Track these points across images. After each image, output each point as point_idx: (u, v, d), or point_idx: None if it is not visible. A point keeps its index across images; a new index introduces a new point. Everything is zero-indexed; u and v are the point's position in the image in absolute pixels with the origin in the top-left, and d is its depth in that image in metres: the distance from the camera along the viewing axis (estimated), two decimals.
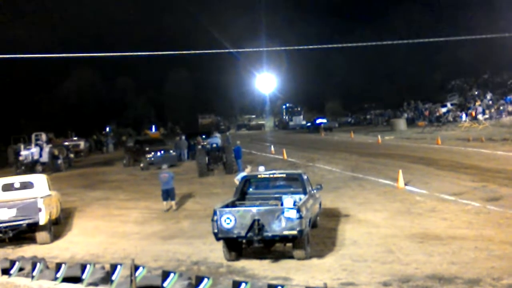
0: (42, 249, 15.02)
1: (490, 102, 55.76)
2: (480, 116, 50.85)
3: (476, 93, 63.67)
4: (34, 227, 15.38)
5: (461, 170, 23.31)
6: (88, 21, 78.18)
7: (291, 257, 12.19)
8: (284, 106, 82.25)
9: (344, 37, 70.36)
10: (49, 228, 15.76)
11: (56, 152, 36.41)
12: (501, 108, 52.30)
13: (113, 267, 9.72)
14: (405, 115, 65.14)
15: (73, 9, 77.47)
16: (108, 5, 78.18)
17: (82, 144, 49.75)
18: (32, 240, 15.61)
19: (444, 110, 59.85)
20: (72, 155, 41.08)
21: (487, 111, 52.56)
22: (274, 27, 78.59)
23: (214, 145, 29.34)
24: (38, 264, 10.78)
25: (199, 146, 31.75)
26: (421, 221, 15.02)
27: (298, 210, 11.74)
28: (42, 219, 15.21)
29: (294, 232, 11.64)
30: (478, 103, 56.10)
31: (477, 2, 66.53)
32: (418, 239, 13.12)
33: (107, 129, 66.72)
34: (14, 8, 68.04)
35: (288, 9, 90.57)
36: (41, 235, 15.53)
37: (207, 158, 28.52)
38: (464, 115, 53.36)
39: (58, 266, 10.46)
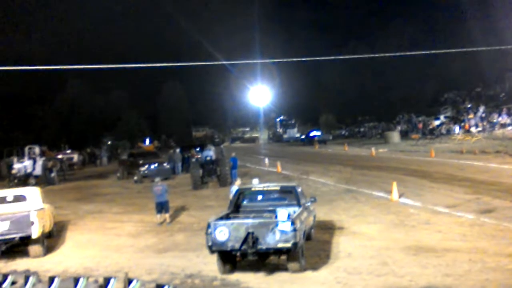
0: (35, 262, 14.89)
1: (483, 115, 56.09)
2: (473, 129, 51.13)
3: (469, 106, 64.05)
4: (26, 240, 15.24)
5: (455, 182, 23.38)
6: (82, 34, 78.44)
7: (285, 269, 12.15)
8: (278, 119, 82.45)
9: (338, 51, 71.02)
10: (42, 241, 15.64)
11: (49, 165, 36.26)
12: (494, 121, 52.62)
13: (107, 281, 9.69)
14: (399, 127, 65.35)
15: (67, 22, 77.71)
16: (102, 18, 78.55)
17: (75, 157, 49.60)
18: (25, 254, 15.47)
19: (437, 123, 60.09)
20: (65, 168, 40.89)
21: (480, 124, 52.85)
22: (268, 41, 79.05)
23: (208, 158, 29.33)
24: (30, 278, 10.71)
25: (193, 159, 31.72)
26: (415, 234, 15.03)
27: (292, 223, 11.72)
28: (35, 233, 15.10)
29: (289, 245, 11.62)
30: (471, 116, 56.41)
31: (470, 16, 67.19)
32: (412, 252, 13.12)
33: (109, 142, 66.58)
34: (7, 20, 68.17)
35: (282, 23, 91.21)
36: (34, 249, 15.39)
37: (201, 171, 28.50)
38: (457, 128, 53.60)
39: (51, 280, 10.40)
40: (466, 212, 17.09)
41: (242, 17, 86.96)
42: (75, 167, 47.57)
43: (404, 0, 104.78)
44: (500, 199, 18.85)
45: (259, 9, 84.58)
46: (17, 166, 34.46)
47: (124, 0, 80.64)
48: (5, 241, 15.04)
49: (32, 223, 15.08)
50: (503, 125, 50.40)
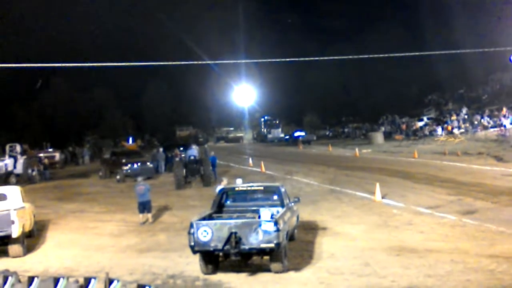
0: (15, 262, 14.65)
1: (466, 116, 56.63)
2: (455, 130, 51.58)
3: (451, 107, 64.63)
4: (6, 239, 15.01)
5: (437, 183, 23.55)
6: (66, 31, 77.64)
7: (268, 270, 12.12)
8: (262, 119, 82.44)
9: (323, 51, 71.14)
10: (22, 241, 15.40)
11: (31, 163, 35.88)
12: (476, 122, 53.14)
13: (87, 281, 9.54)
14: (382, 128, 65.72)
15: (49, 19, 76.86)
16: (85, 16, 77.91)
17: (57, 155, 49.05)
18: (4, 253, 15.24)
19: (420, 124, 60.60)
20: (45, 167, 40.29)
21: (462, 126, 53.33)
22: (253, 40, 79.06)
23: (192, 158, 29.16)
24: (9, 278, 10.51)
25: (177, 158, 31.52)
26: (397, 234, 15.09)
27: (276, 223, 11.68)
28: (15, 232, 14.87)
29: (272, 245, 11.58)
30: (454, 117, 56.92)
31: (453, 19, 67.77)
32: (394, 252, 13.16)
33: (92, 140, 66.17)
34: None
35: (268, 23, 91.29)
36: (13, 248, 15.16)
37: (184, 171, 28.29)
38: (440, 129, 54.04)
39: (31, 280, 10.22)
40: (448, 213, 17.21)
41: (227, 16, 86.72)
42: (57, 166, 47.03)
43: (389, 3, 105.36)
44: (482, 200, 19.03)
45: (244, 9, 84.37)
46: None
47: None
48: None
49: (12, 222, 14.84)
50: (486, 127, 50.90)
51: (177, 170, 28.17)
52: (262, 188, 15.32)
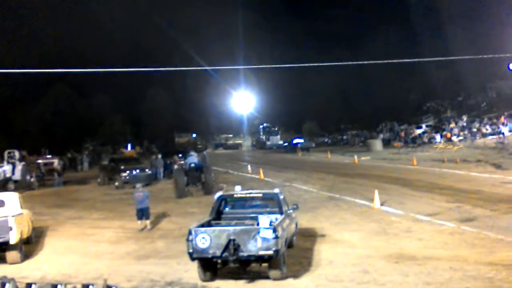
0: (12, 268, 14.61)
1: (465, 124, 56.70)
2: (454, 138, 51.61)
3: (450, 115, 64.72)
4: (4, 246, 14.98)
5: (436, 190, 23.52)
6: (65, 37, 77.81)
7: (266, 277, 12.08)
8: (261, 126, 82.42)
9: (322, 58, 71.31)
10: (20, 247, 15.37)
11: (29, 170, 35.80)
12: (475, 130, 53.22)
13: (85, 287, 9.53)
14: (381, 136, 65.75)
15: (50, 26, 77.02)
16: (86, 23, 78.11)
17: (56, 162, 48.95)
18: (2, 260, 15.19)
19: (419, 131, 60.64)
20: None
21: (461, 133, 53.38)
22: (253, 47, 79.11)
23: (193, 165, 28.65)
24: (7, 284, 10.48)
25: (176, 166, 31.30)
26: (396, 241, 15.06)
27: (274, 230, 11.65)
28: (13, 238, 14.85)
29: (270, 252, 11.54)
30: (452, 125, 56.99)
31: (452, 26, 68.01)
32: (393, 259, 13.13)
33: (91, 147, 66.10)
34: None
35: (267, 30, 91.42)
36: (11, 255, 15.13)
37: (185, 179, 27.87)
38: (439, 137, 54.08)
39: (28, 287, 10.21)
40: (447, 221, 17.18)
41: (226, 23, 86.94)
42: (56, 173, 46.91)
43: (388, 9, 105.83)
44: (480, 207, 19.00)
45: (243, 16, 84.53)
46: None
47: (107, 5, 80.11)
48: None
49: (10, 228, 14.83)
50: (484, 134, 50.96)
51: (179, 178, 27.50)
52: (260, 195, 15.31)
